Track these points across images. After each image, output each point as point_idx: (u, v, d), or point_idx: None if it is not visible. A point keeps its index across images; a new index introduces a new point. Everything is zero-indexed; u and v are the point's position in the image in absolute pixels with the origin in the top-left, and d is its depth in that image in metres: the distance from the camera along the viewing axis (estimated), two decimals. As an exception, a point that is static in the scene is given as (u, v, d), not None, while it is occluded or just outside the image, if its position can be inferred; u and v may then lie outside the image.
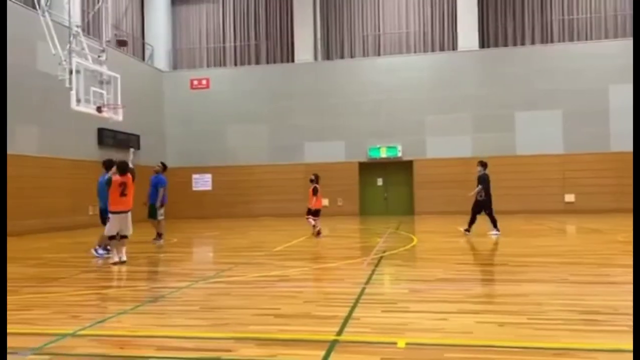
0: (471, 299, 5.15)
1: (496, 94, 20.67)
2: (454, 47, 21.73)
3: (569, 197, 20.10)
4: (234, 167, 22.40)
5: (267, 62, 23.29)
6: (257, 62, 23.40)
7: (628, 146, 19.24)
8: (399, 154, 21.17)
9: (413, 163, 21.15)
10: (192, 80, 22.98)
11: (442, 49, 22.02)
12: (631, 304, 4.98)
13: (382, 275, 6.95)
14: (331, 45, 23.05)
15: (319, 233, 12.22)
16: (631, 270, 6.97)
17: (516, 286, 5.85)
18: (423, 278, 6.61)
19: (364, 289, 5.78)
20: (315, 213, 12.33)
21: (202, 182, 22.80)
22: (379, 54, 22.45)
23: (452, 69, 21.09)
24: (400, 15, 22.48)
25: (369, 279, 6.48)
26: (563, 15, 21.25)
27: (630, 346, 3.54)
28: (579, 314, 4.47)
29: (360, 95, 21.54)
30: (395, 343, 3.70)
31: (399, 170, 21.52)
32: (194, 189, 22.83)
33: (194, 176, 22.86)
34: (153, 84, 22.40)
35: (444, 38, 22.08)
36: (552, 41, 21.20)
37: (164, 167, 12.36)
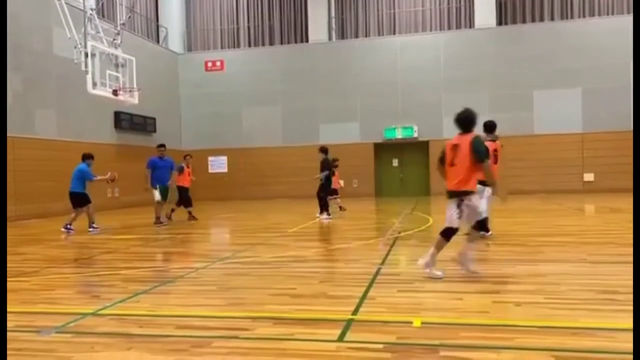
0: (488, 279, 5.13)
1: (514, 73, 20.30)
2: (470, 24, 21.32)
3: (588, 177, 19.81)
4: (249, 149, 22.45)
5: (282, 43, 23.12)
6: (271, 43, 23.25)
7: (650, 124, 18.79)
8: (415, 135, 21.00)
9: (429, 143, 20.96)
10: (206, 62, 22.96)
11: (458, 26, 21.62)
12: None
13: (398, 255, 6.95)
14: (345, 25, 22.78)
15: (341, 209, 13.96)
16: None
17: (534, 266, 5.81)
18: (439, 258, 6.59)
19: (379, 269, 5.80)
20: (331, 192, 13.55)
21: (218, 164, 22.93)
22: (394, 33, 22.14)
23: (469, 47, 20.73)
24: (416, -7, 22.09)
25: (385, 259, 6.49)
26: (584, -11, 20.68)
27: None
28: (597, 294, 4.43)
29: (375, 75, 21.32)
30: (410, 322, 3.71)
31: (415, 150, 21.37)
32: (209, 171, 22.98)
33: (210, 158, 22.99)
34: (168, 66, 22.43)
35: (461, 15, 21.67)
36: (571, 17, 20.67)
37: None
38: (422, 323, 3.68)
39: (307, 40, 22.58)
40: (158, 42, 22.71)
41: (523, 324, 3.62)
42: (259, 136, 22.37)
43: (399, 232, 9.17)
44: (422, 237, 8.73)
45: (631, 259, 6.25)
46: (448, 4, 21.80)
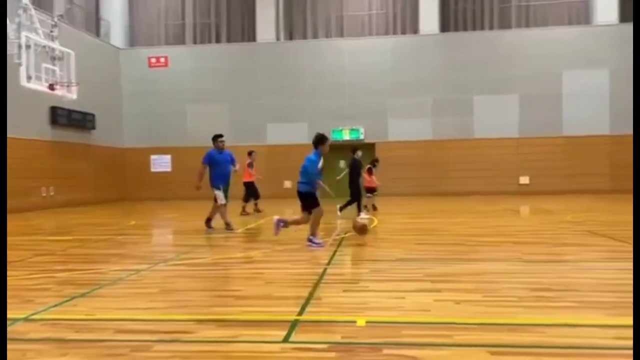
0: (429, 278, 5.28)
1: (456, 78, 20.99)
2: (415, 30, 21.86)
3: (524, 179, 20.77)
4: (195, 148, 21.92)
5: (228, 41, 22.84)
6: (218, 41, 22.91)
7: (579, 130, 20.09)
8: (362, 137, 21.29)
9: (375, 145, 21.33)
10: (149, 58, 22.34)
11: (404, 32, 22.11)
12: (580, 280, 5.22)
13: (344, 255, 7.02)
14: (294, 26, 22.79)
15: (374, 208, 14.48)
16: (580, 248, 7.30)
17: (473, 265, 6.03)
18: (383, 258, 6.72)
19: (325, 269, 5.84)
20: (368, 191, 14.65)
21: (161, 163, 22.35)
22: (342, 36, 22.36)
23: (414, 53, 21.25)
24: (363, -4, 22.41)
25: (331, 259, 6.54)
26: (520, 1, 21.65)
27: (577, 321, 3.73)
28: (531, 291, 4.65)
29: (323, 77, 21.46)
30: (355, 322, 3.75)
31: (362, 152, 21.64)
32: (152, 170, 22.36)
33: (153, 157, 22.37)
34: (109, 61, 21.64)
35: (406, 21, 22.17)
36: (510, 27, 21.60)
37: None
38: (367, 322, 3.74)
39: (254, 40, 22.41)
40: (98, 35, 21.86)
41: (462, 322, 3.75)
42: (205, 135, 21.87)
43: (345, 233, 9.27)
44: (367, 237, 8.86)
45: (562, 258, 6.61)
46: (394, 9, 22.25)
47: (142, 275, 5.80)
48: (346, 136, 21.33)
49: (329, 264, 6.22)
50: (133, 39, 23.32)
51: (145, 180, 22.03)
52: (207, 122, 22.00)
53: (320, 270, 5.73)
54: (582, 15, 21.11)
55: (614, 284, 5.06)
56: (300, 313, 4.03)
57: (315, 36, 22.49)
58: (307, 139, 21.60)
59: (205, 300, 4.59)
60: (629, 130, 19.77)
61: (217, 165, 9.90)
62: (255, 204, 14.07)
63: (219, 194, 9.79)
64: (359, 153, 13.19)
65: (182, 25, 23.18)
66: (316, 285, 4.99)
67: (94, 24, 22.05)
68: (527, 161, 20.62)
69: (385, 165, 21.59)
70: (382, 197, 20.72)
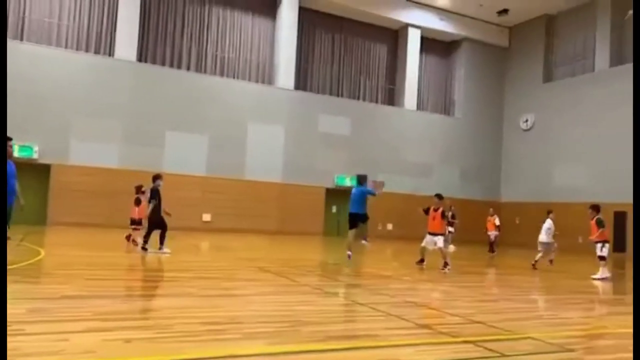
0: (99, 317, 4.88)
1: (150, 109, 20.82)
2: (111, 53, 20.90)
3: (206, 217, 21.75)
4: None
5: None
6: None
7: (258, 176, 22.46)
8: (35, 156, 18.74)
9: (51, 167, 19.06)
10: None
11: (97, 51, 20.85)
12: (246, 313, 5.67)
13: (-7, 294, 5.87)
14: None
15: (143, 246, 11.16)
16: (249, 283, 7.98)
17: (147, 301, 5.87)
18: (46, 296, 5.92)
19: (-36, 311, 4.74)
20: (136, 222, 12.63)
21: None
22: (21, 39, 19.57)
23: (107, 75, 20.22)
24: (53, 3, 20.28)
25: (-26, 299, 5.37)
26: (216, 51, 23.22)
27: (241, 351, 4.01)
28: (203, 325, 4.79)
29: (-8, 81, 18.19)
30: (-2, 374, 3.13)
31: (33, 173, 19.01)
32: None
33: None
34: None
35: (102, 41, 21.01)
36: (205, 72, 22.81)
37: None
38: (14, 373, 3.17)
39: None
40: None
41: (130, 362, 3.56)
42: None
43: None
44: (28, 272, 7.67)
45: (232, 292, 7.09)
46: (89, 25, 20.83)
47: None
48: (15, 153, 18.36)
49: (-30, 304, 5.08)
50: None
51: None
52: None
53: (-43, 313, 4.63)
54: (267, 76, 24.00)
55: (274, 315, 5.67)
56: None
57: (-14, 31, 19.01)
58: (-41, 151, 17.70)
59: None
60: (294, 180, 23.12)
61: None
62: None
63: None
64: (160, 182, 11.27)
65: None
66: (-52, 332, 3.99)
67: None
68: (211, 200, 21.70)
69: (61, 190, 19.43)
70: (54, 226, 18.47)
